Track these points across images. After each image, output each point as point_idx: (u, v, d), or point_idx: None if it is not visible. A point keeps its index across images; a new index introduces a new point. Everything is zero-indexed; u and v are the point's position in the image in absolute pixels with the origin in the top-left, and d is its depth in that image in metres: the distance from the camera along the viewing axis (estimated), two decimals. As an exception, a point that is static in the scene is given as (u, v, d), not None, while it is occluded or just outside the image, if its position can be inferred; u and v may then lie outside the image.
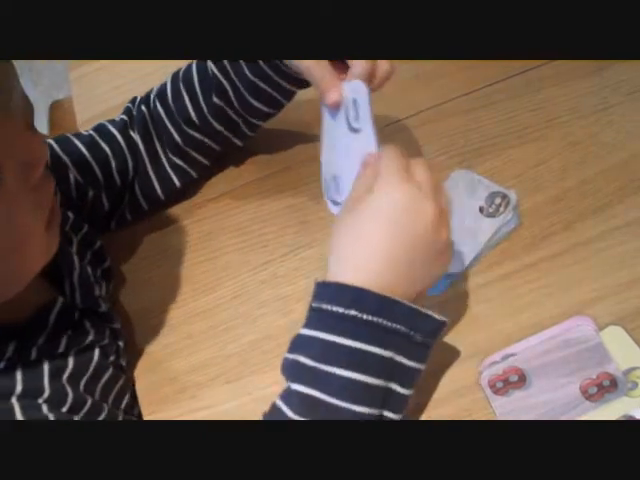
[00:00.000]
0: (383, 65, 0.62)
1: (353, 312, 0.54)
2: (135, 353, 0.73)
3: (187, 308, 0.75)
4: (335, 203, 0.67)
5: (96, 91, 1.01)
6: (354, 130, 0.61)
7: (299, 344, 0.57)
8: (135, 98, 0.83)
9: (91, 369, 0.64)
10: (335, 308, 0.55)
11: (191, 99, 0.77)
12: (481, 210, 0.73)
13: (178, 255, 0.79)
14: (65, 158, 0.75)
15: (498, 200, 0.73)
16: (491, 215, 0.73)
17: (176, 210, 0.84)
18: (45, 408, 0.58)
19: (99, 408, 0.64)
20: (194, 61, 0.78)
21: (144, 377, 0.72)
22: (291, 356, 0.57)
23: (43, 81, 2.09)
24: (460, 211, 0.71)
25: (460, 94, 0.86)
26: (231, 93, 0.76)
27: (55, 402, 0.59)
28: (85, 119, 0.96)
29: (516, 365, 0.64)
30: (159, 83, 0.96)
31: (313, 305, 0.57)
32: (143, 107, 0.80)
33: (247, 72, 0.74)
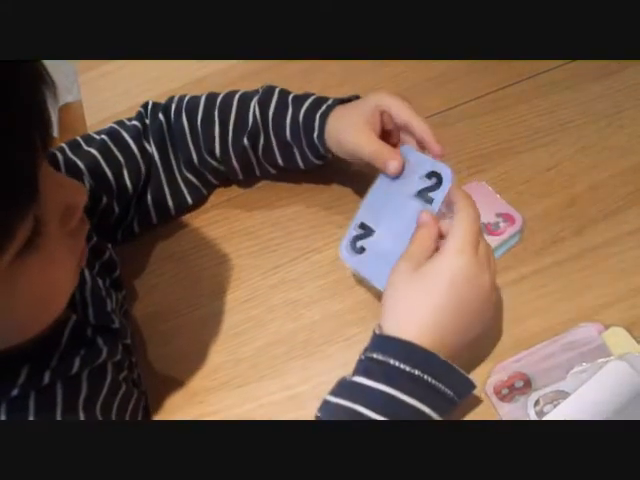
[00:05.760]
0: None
1: (417, 372, 0.57)
2: (144, 358, 0.73)
3: (196, 313, 0.75)
4: (351, 250, 0.69)
5: (105, 94, 1.01)
6: (425, 198, 0.64)
7: (357, 393, 0.58)
8: (147, 103, 0.82)
9: (106, 388, 0.62)
10: (402, 366, 0.57)
11: (221, 133, 0.77)
12: (485, 226, 0.73)
13: (187, 260, 0.79)
14: (79, 164, 0.74)
15: (503, 222, 0.73)
16: (492, 233, 0.72)
17: (185, 214, 0.84)
18: None
19: None
20: (236, 92, 0.79)
21: (153, 382, 0.71)
22: (344, 403, 0.58)
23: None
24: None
25: (470, 98, 0.86)
26: (262, 143, 0.77)
27: None
28: (94, 122, 0.97)
29: (520, 370, 0.64)
30: (167, 87, 0.98)
31: (376, 357, 0.59)
32: (161, 116, 0.79)
33: (287, 133, 0.75)
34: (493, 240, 0.71)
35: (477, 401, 0.64)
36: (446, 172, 0.63)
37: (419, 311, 0.59)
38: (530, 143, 0.80)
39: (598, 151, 0.78)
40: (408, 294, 0.60)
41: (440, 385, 0.58)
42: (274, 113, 0.76)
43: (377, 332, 0.61)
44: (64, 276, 0.53)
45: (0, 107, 0.41)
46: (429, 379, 0.57)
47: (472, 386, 0.60)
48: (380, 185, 0.69)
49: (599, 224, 0.72)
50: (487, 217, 0.73)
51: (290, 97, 0.77)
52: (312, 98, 0.76)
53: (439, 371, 0.58)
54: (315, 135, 0.73)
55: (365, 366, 0.60)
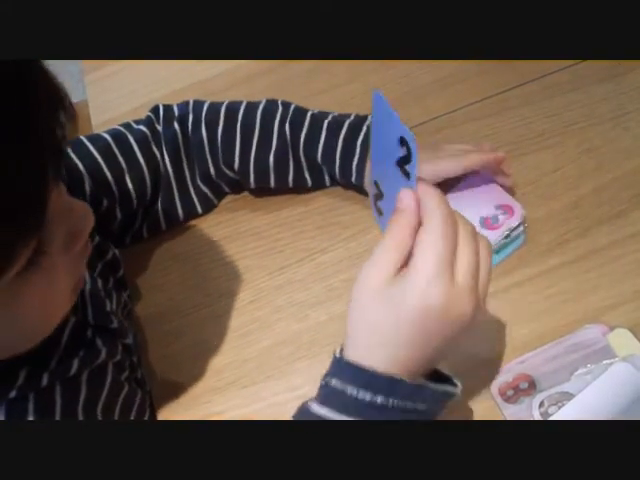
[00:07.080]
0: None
1: (380, 399, 0.51)
2: (148, 358, 0.73)
3: (202, 313, 0.75)
4: (375, 209, 0.65)
5: (111, 95, 1.01)
6: (403, 170, 0.56)
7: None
8: (157, 107, 0.80)
9: (106, 389, 0.62)
10: (362, 394, 0.51)
11: (242, 150, 0.77)
12: (484, 220, 0.72)
13: (193, 260, 0.79)
14: (80, 166, 0.72)
15: (502, 214, 0.72)
16: (492, 228, 0.71)
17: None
18: None
19: None
20: (258, 105, 0.78)
21: (158, 382, 0.72)
22: None
23: (57, 83, 2.09)
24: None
25: (475, 100, 0.86)
26: (292, 166, 0.78)
27: None
28: (100, 123, 0.96)
29: (525, 372, 0.64)
30: (173, 87, 0.98)
31: (334, 384, 0.53)
32: (176, 125, 0.78)
33: (318, 157, 0.76)
34: (493, 235, 0.70)
35: (482, 402, 0.64)
36: (413, 145, 0.52)
37: (383, 340, 0.52)
38: (535, 145, 0.80)
39: (603, 153, 0.78)
40: (372, 315, 0.52)
41: (408, 403, 0.52)
42: (306, 135, 0.76)
43: (337, 355, 0.54)
44: (61, 295, 0.52)
45: (15, 138, 0.39)
46: (394, 401, 0.51)
47: (450, 395, 0.54)
48: (374, 139, 0.61)
49: (604, 226, 0.72)
50: (486, 210, 0.72)
51: (325, 123, 0.76)
52: (347, 125, 0.76)
53: (406, 392, 0.52)
54: (354, 163, 0.74)
55: (325, 393, 0.53)
